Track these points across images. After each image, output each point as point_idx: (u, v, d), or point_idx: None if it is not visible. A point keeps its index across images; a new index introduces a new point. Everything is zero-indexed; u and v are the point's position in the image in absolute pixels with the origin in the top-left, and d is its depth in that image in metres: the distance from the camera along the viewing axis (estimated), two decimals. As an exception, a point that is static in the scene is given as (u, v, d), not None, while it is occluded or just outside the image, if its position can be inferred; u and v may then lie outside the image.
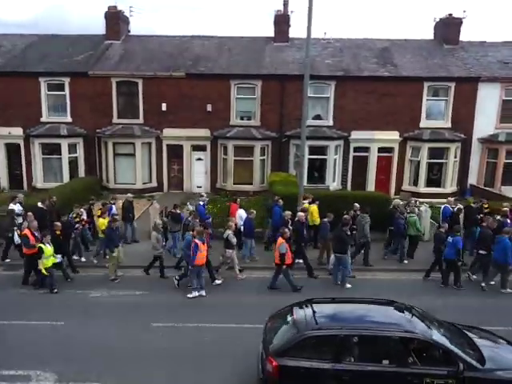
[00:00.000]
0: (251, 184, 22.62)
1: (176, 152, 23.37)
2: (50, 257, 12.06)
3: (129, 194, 17.21)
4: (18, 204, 15.00)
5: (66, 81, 22.91)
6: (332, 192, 19.96)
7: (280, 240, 12.21)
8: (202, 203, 16.07)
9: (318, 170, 22.53)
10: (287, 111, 22.55)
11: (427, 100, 22.65)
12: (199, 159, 23.51)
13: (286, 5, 25.60)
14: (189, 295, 11.86)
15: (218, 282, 12.81)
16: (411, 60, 23.88)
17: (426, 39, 26.21)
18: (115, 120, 23.05)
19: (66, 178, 22.37)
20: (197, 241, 11.85)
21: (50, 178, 22.60)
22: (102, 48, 25.07)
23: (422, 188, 22.61)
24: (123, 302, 11.67)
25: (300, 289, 12.12)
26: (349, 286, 12.65)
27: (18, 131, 22.99)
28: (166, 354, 9.11)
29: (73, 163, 22.86)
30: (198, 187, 23.48)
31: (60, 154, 22.51)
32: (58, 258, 12.54)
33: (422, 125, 22.75)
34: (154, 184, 23.39)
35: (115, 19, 25.74)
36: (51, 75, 22.91)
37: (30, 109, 22.79)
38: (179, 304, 11.58)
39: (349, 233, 13.12)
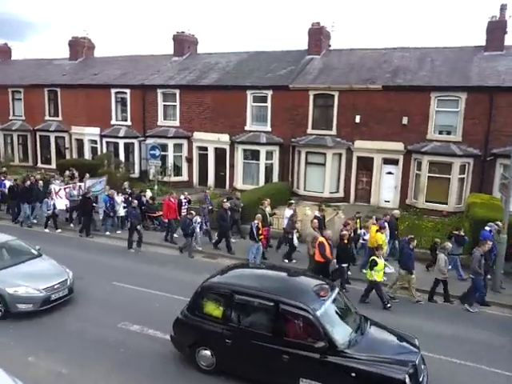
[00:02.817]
0: (445, 204, 20.93)
1: (366, 164, 23.14)
2: (381, 271, 11.86)
3: (396, 211, 16.49)
4: (291, 210, 16.05)
5: (269, 93, 24.82)
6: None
7: None
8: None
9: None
10: (496, 127, 20.25)
11: None
12: (389, 173, 22.80)
13: (503, 9, 23.08)
14: None
15: None
16: None
17: None
18: (309, 130, 24.00)
19: (262, 181, 24.25)
20: None
21: (248, 181, 24.79)
22: (303, 63, 26.45)
23: None
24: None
25: None
26: None
27: (225, 138, 25.84)
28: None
29: (268, 169, 24.62)
30: (385, 201, 22.81)
31: (258, 160, 24.51)
32: (389, 269, 12.32)
33: None
34: (341, 194, 23.56)
35: (317, 35, 26.89)
36: (257, 88, 25.12)
37: (236, 118, 25.43)
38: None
39: None
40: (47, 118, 31.57)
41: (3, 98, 32.58)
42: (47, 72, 33.45)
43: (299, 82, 24.46)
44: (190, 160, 27.11)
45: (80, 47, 34.46)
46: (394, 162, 22.60)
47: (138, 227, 16.28)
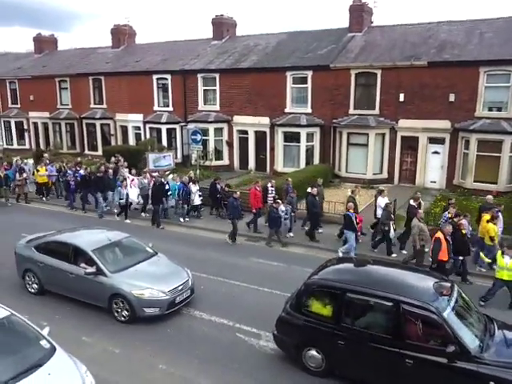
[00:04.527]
0: (495, 183, 20.06)
1: (410, 144, 22.46)
2: (505, 269, 10.50)
3: (489, 196, 14.79)
4: (385, 198, 14.74)
5: (309, 74, 24.39)
6: None
7: None
8: None
9: None
10: (551, 101, 19.11)
11: None
12: (435, 152, 22.03)
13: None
14: None
15: None
16: None
17: None
18: (351, 111, 23.48)
19: (302, 164, 23.99)
20: None
21: (289, 164, 24.61)
22: (344, 41, 25.78)
23: None
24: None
25: None
26: None
27: (265, 120, 25.72)
28: None
29: (309, 151, 24.34)
30: (431, 182, 22.15)
31: (299, 142, 24.24)
32: None
33: None
34: (385, 175, 23.03)
35: (359, 11, 26.09)
36: (296, 69, 24.74)
37: (276, 100, 25.21)
38: None
39: None
40: (92, 105, 32.49)
41: (51, 88, 33.80)
42: (91, 61, 34.36)
43: (340, 60, 23.90)
44: (230, 144, 27.25)
45: (122, 35, 35.07)
46: (441, 141, 21.81)
47: (236, 220, 15.38)
